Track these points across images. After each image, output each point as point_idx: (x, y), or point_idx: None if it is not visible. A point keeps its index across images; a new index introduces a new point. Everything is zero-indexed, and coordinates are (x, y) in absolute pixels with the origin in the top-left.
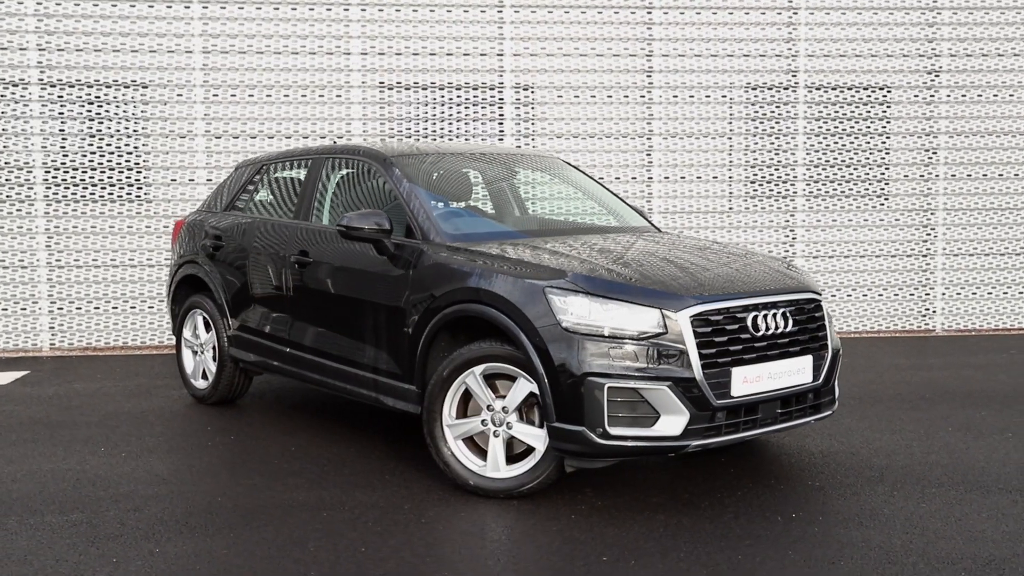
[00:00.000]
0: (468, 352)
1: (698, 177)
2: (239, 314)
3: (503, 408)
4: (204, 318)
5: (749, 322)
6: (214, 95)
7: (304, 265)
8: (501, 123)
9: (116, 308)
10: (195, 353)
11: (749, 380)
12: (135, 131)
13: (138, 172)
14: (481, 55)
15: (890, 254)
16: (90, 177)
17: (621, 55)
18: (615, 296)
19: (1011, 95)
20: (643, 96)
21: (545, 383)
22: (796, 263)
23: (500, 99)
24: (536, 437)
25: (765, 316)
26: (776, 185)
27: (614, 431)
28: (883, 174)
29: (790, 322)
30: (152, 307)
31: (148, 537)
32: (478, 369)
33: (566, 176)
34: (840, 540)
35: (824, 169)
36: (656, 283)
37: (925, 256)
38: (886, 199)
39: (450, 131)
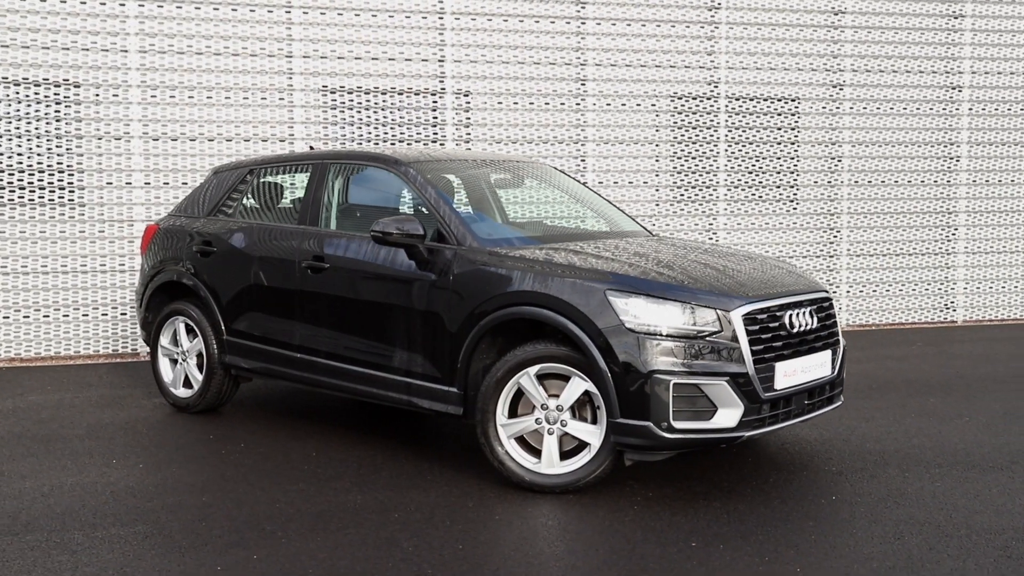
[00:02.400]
0: (523, 353)
1: (630, 182)
2: (235, 320)
3: (557, 407)
4: (187, 325)
5: (786, 320)
6: (152, 96)
7: (318, 270)
8: (442, 128)
9: (47, 317)
10: (175, 361)
11: (788, 374)
12: (67, 132)
13: (70, 175)
14: (423, 61)
15: (800, 255)
16: (18, 180)
17: (557, 64)
18: (672, 297)
19: (904, 108)
20: (578, 104)
21: (609, 381)
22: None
23: (441, 104)
24: (591, 433)
25: (798, 314)
26: (700, 190)
27: (678, 425)
28: (794, 180)
29: (814, 319)
30: (86, 315)
31: (236, 544)
32: (532, 369)
33: (560, 181)
34: (890, 518)
35: (743, 175)
36: (704, 284)
37: (831, 257)
38: (796, 203)
39: (392, 135)
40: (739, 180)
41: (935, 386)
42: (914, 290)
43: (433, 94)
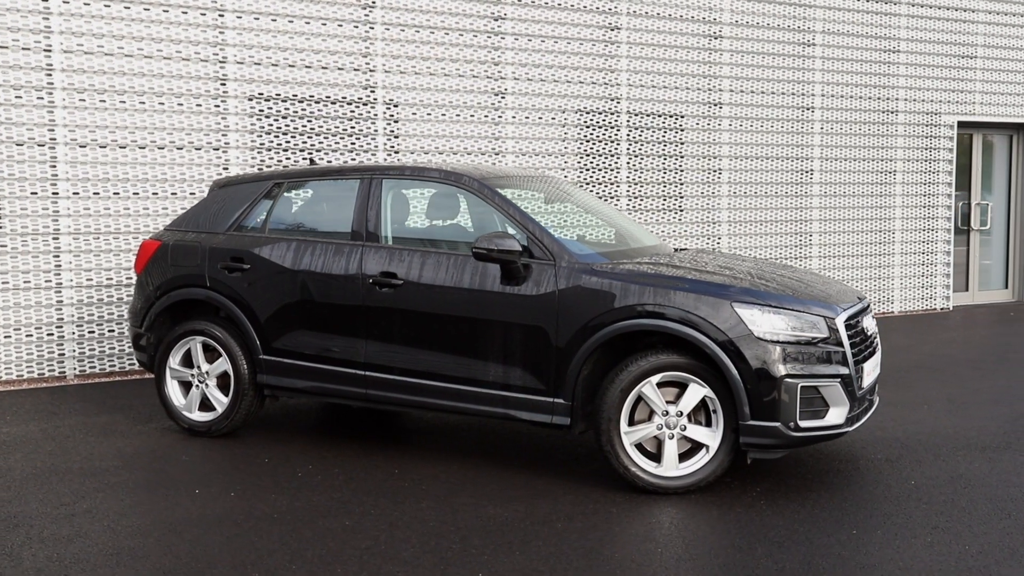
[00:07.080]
0: (647, 363)
1: None
2: (276, 339)
3: (677, 413)
4: (206, 345)
5: (863, 325)
6: (80, 100)
7: (389, 286)
8: (372, 138)
9: None
10: (186, 384)
11: (868, 373)
12: None
13: None
14: (355, 70)
15: None
16: None
17: (479, 77)
18: (789, 307)
19: (772, 126)
20: (499, 116)
21: (740, 386)
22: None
23: (373, 114)
24: (709, 436)
25: (867, 319)
26: (604, 200)
27: (803, 424)
28: (681, 191)
29: (872, 323)
30: (8, 337)
31: (445, 563)
32: (655, 378)
33: (581, 196)
34: (981, 497)
35: (642, 186)
36: (804, 294)
37: None
38: (683, 213)
39: (327, 145)
40: (639, 191)
41: None
42: None
43: (364, 104)
